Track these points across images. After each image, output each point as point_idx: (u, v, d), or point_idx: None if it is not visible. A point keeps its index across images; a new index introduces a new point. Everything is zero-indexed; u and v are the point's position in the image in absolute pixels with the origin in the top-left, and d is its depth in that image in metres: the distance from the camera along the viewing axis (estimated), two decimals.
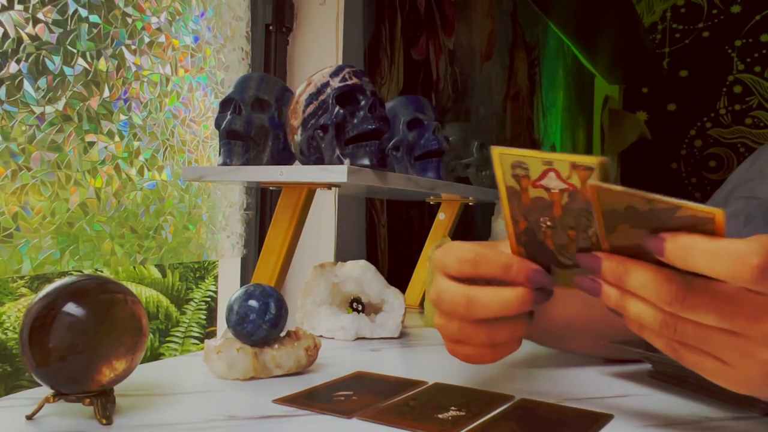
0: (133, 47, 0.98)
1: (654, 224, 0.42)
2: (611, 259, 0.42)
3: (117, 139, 0.95)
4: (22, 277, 4.52)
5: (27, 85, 0.81)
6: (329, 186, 0.86)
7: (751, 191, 0.68)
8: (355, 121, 0.80)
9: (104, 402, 0.49)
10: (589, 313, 0.64)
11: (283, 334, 0.67)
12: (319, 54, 1.32)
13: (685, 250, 0.39)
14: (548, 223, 0.46)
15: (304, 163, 0.85)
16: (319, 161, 0.82)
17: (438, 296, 0.50)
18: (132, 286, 4.77)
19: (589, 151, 3.38)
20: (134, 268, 4.92)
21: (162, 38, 1.04)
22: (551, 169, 0.44)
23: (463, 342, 0.51)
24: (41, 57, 0.83)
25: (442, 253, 0.51)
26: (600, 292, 0.43)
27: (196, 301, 4.99)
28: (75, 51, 0.88)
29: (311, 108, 0.81)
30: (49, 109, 0.84)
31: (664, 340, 0.42)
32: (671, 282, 0.40)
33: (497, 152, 0.45)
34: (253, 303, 0.63)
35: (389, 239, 1.46)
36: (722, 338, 0.40)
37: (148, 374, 0.63)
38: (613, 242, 0.43)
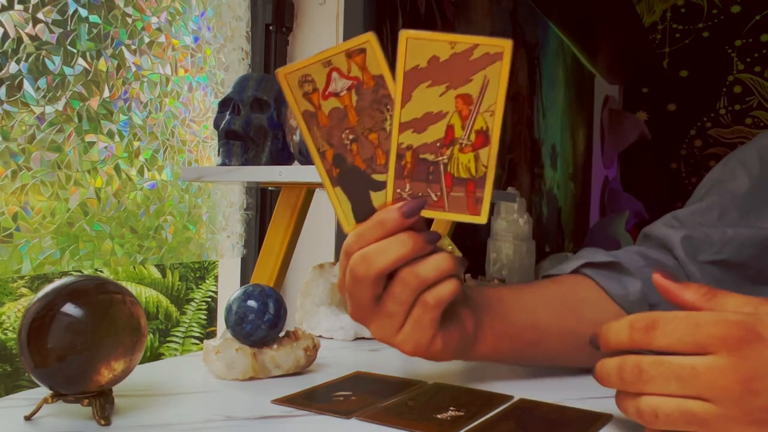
0: (133, 47, 0.98)
1: (451, 75, 0.43)
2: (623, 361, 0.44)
3: (117, 139, 0.95)
4: (22, 277, 4.52)
5: (27, 85, 0.82)
6: None
7: (725, 187, 0.68)
8: None
9: (103, 402, 0.49)
10: (558, 312, 0.62)
11: (282, 334, 0.67)
12: None
13: (602, 336, 0.45)
14: (350, 137, 0.45)
15: (303, 163, 0.85)
16: None
17: (338, 282, 0.51)
18: (132, 286, 4.77)
19: (589, 151, 3.38)
20: (134, 268, 4.92)
21: (162, 38, 1.04)
22: (333, 69, 0.44)
23: (395, 313, 0.50)
24: (41, 57, 0.83)
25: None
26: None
27: (196, 301, 4.99)
28: (75, 51, 0.88)
29: None
30: (49, 109, 0.84)
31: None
32: (618, 360, 0.44)
33: (282, 74, 0.45)
34: (251, 303, 0.63)
35: None
36: (705, 408, 0.41)
37: (147, 374, 0.63)
38: (407, 116, 0.44)
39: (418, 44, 0.43)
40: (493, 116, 0.44)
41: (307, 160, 0.83)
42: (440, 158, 0.46)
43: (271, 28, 1.28)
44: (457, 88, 0.44)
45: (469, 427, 0.49)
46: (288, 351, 0.64)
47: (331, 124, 0.45)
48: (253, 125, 0.88)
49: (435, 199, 0.46)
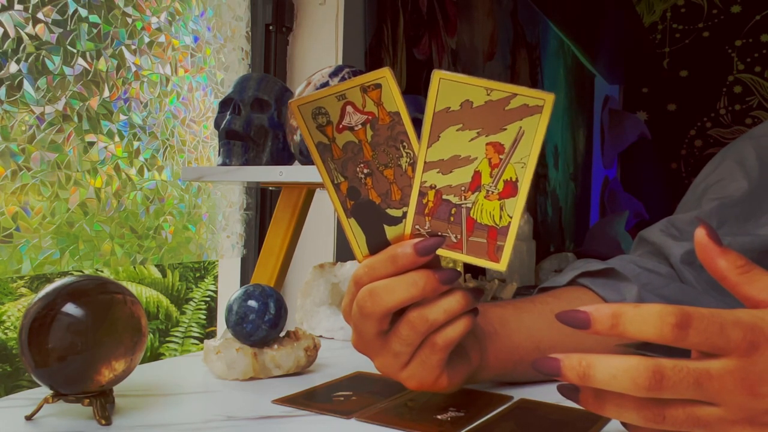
0: (133, 47, 0.98)
1: (484, 122, 0.42)
2: (570, 358, 0.39)
3: (117, 139, 0.95)
4: (22, 277, 4.52)
5: (27, 85, 0.81)
6: None
7: (723, 190, 0.67)
8: None
9: (103, 402, 0.49)
10: (560, 332, 0.60)
11: (282, 334, 0.67)
12: (319, 54, 1.32)
13: (615, 317, 0.38)
14: (365, 171, 0.45)
15: (303, 163, 0.85)
16: None
17: (343, 309, 0.49)
18: (132, 286, 4.77)
19: (589, 151, 3.38)
20: (134, 268, 4.92)
21: (162, 38, 1.04)
22: (347, 103, 0.43)
23: (400, 353, 0.47)
24: (41, 57, 0.83)
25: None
26: (579, 398, 0.41)
27: (196, 301, 4.98)
28: (75, 51, 0.88)
29: None
30: (49, 109, 0.84)
31: None
32: (644, 363, 0.38)
33: (295, 105, 0.44)
34: (252, 303, 0.63)
35: None
36: (710, 412, 0.39)
37: (147, 374, 0.63)
38: (433, 156, 0.43)
39: (450, 86, 0.42)
40: (524, 168, 0.43)
41: (307, 160, 0.83)
42: (464, 202, 0.44)
43: (271, 28, 1.28)
44: (488, 135, 0.43)
45: (470, 427, 0.49)
46: (288, 351, 0.64)
47: (345, 157, 0.45)
48: (253, 125, 0.88)
49: (454, 240, 0.45)
